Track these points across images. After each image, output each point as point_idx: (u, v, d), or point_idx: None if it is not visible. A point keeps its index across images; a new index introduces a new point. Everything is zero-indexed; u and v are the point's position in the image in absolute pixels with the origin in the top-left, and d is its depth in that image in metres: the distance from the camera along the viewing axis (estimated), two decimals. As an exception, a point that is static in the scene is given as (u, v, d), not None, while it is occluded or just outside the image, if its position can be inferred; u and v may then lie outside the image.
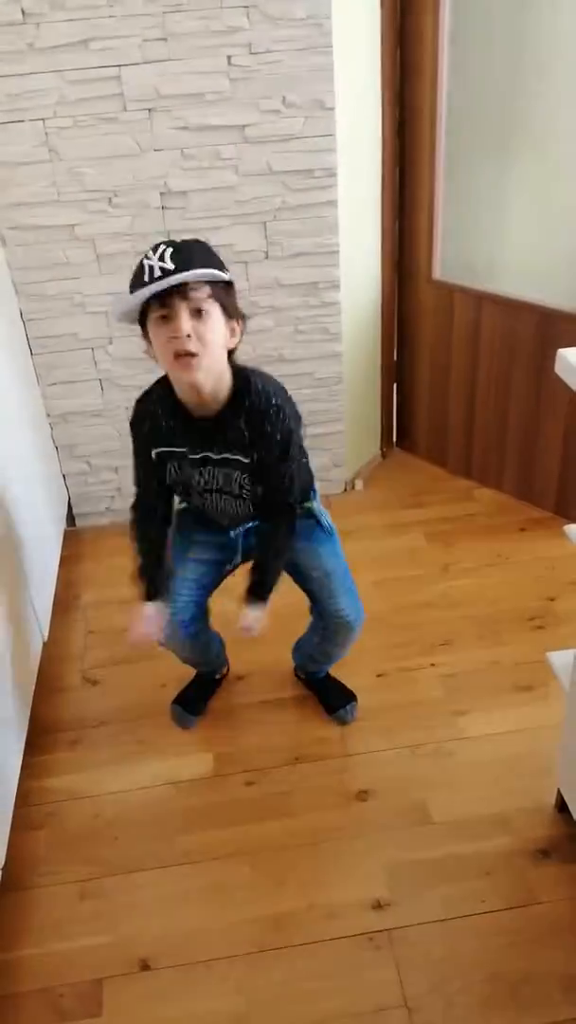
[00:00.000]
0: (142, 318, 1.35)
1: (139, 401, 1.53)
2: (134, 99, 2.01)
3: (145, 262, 1.30)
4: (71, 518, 2.63)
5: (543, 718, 1.86)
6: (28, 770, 1.78)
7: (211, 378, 1.38)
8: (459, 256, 2.46)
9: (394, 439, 2.92)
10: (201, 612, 1.76)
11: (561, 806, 1.64)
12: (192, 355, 1.31)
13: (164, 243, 1.31)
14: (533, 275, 2.34)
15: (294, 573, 1.71)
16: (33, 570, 1.99)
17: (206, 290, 1.30)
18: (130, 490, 2.56)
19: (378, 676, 2.03)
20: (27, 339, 2.30)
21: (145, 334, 1.38)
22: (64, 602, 2.32)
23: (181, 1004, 1.41)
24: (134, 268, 1.33)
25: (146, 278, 1.28)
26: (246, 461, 1.47)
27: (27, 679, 1.86)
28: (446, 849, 1.62)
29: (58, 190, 2.10)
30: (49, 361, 2.35)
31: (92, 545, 2.58)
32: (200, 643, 1.83)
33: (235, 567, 1.74)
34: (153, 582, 1.60)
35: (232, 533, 1.68)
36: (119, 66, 1.97)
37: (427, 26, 2.16)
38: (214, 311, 1.32)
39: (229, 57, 2.00)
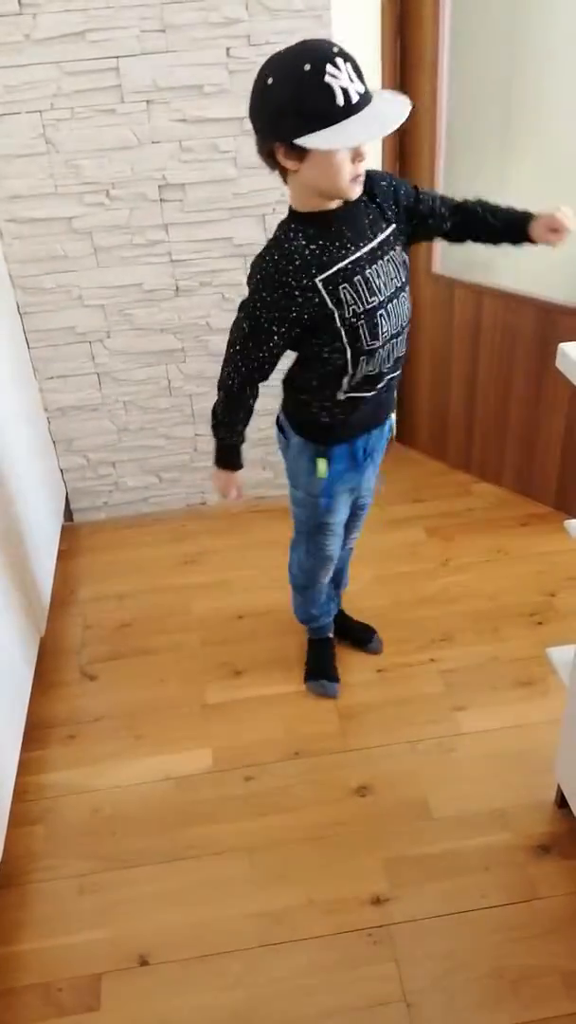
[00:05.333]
0: (292, 136, 1.21)
1: (270, 250, 1.34)
2: (132, 91, 2.00)
3: (333, 82, 1.15)
4: (68, 513, 2.62)
5: (543, 714, 1.86)
6: (25, 765, 1.78)
7: None
8: (459, 250, 2.44)
9: (394, 433, 2.90)
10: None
11: (561, 801, 1.64)
12: (364, 173, 1.29)
13: (334, 52, 1.17)
14: (533, 269, 2.34)
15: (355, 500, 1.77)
16: (30, 565, 1.98)
17: None
18: (127, 484, 2.59)
19: (378, 671, 2.02)
20: (24, 333, 2.29)
21: (287, 152, 1.23)
22: (61, 597, 2.31)
23: (179, 999, 1.41)
24: (295, 80, 1.17)
25: (340, 101, 1.16)
26: (391, 230, 1.41)
27: (24, 674, 1.86)
28: (446, 844, 1.61)
29: (55, 182, 2.09)
30: (46, 355, 2.34)
31: (89, 540, 2.57)
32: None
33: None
34: (239, 454, 1.63)
35: (361, 453, 1.62)
36: (117, 57, 1.96)
37: (427, 18, 2.14)
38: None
39: (228, 49, 1.99)
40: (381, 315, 1.39)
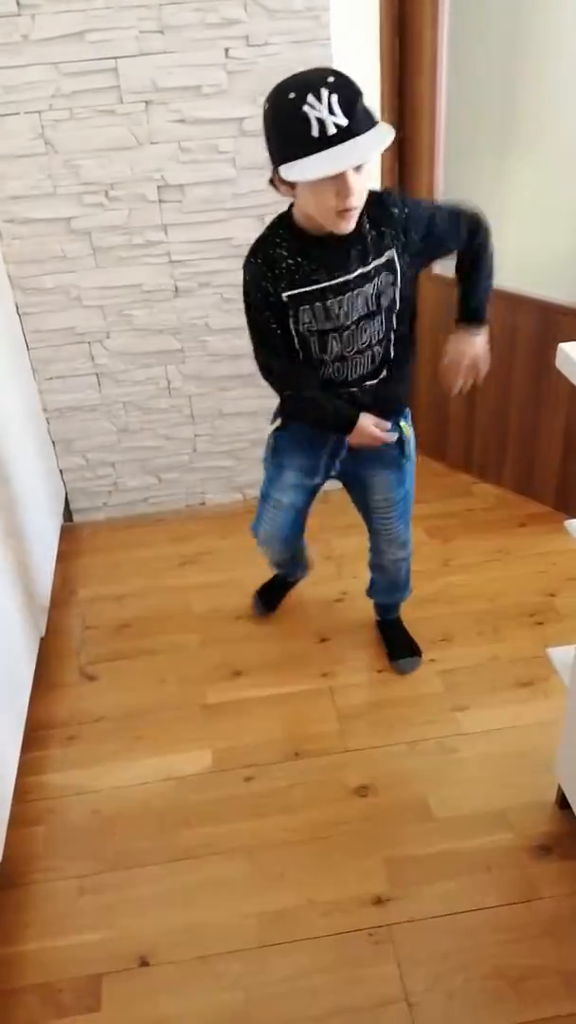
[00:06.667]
0: (277, 163, 1.27)
1: (255, 251, 1.44)
2: (131, 91, 2.00)
3: (310, 112, 1.17)
4: (68, 513, 2.62)
5: (543, 714, 1.85)
6: (26, 766, 1.78)
7: None
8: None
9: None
10: (297, 529, 1.89)
11: (561, 802, 1.63)
12: (355, 209, 1.30)
13: (324, 82, 1.18)
14: (533, 269, 2.33)
15: (358, 493, 1.79)
16: (30, 565, 1.98)
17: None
18: (127, 485, 2.59)
19: (377, 672, 2.02)
20: (23, 333, 2.29)
21: (279, 178, 1.29)
22: (61, 597, 2.31)
23: (180, 1000, 1.41)
24: (280, 107, 1.21)
25: (315, 132, 1.17)
26: (384, 259, 1.41)
27: (24, 674, 1.86)
28: (446, 845, 1.61)
29: (54, 183, 2.09)
30: (46, 355, 2.34)
31: (89, 541, 2.57)
32: (291, 553, 1.99)
33: (323, 482, 1.79)
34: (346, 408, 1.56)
35: (323, 453, 1.70)
36: (115, 58, 1.96)
37: (426, 18, 2.14)
38: (371, 159, 1.27)
39: (226, 50, 1.99)
40: (333, 337, 1.48)
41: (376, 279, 1.43)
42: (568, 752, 1.53)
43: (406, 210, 1.42)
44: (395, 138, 2.28)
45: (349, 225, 1.33)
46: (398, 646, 2.04)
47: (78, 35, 1.92)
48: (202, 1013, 1.39)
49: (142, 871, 1.61)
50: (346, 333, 1.48)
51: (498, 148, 2.27)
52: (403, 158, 2.38)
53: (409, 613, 2.17)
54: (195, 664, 2.08)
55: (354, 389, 1.57)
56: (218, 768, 1.81)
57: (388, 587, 2.00)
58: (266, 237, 1.43)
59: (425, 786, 1.73)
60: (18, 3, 1.88)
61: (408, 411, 1.70)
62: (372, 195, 1.38)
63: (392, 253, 1.42)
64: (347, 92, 1.19)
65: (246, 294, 1.48)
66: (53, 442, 2.48)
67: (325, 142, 1.18)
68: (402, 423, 1.67)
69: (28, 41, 1.92)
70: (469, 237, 1.53)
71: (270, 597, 2.20)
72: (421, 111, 2.27)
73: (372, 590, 2.05)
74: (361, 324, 1.47)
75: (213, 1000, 1.40)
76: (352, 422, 1.54)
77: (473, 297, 1.63)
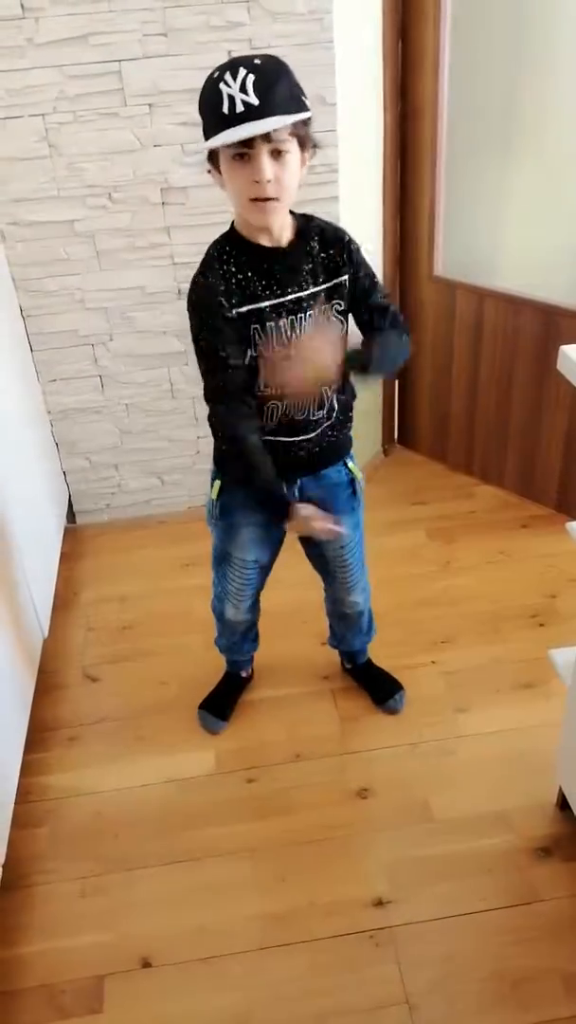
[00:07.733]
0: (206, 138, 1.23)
1: (203, 271, 1.37)
2: (134, 94, 2.01)
3: (223, 89, 1.17)
4: (71, 515, 2.63)
5: (544, 715, 1.86)
6: (28, 767, 1.78)
7: (283, 216, 1.32)
8: (461, 252, 2.45)
9: (396, 436, 2.91)
10: (263, 581, 1.76)
11: (562, 804, 1.64)
12: (272, 200, 1.25)
13: (242, 62, 1.18)
14: (535, 271, 2.34)
15: (313, 542, 1.67)
16: (33, 567, 1.99)
17: (288, 127, 1.20)
18: (130, 487, 2.59)
19: (379, 673, 2.02)
20: (27, 335, 2.29)
21: (214, 163, 1.27)
22: (64, 599, 2.32)
23: (182, 1002, 1.41)
24: (205, 85, 1.21)
25: (225, 109, 1.17)
26: (336, 281, 1.37)
27: (27, 676, 1.86)
28: (447, 847, 1.62)
29: (58, 186, 2.10)
30: (49, 357, 2.34)
31: (92, 542, 2.57)
32: (254, 615, 1.84)
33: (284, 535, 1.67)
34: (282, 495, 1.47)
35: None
36: (119, 61, 1.96)
37: (429, 21, 2.15)
38: (293, 149, 1.23)
39: (230, 52, 1.99)
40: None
41: (328, 302, 1.38)
42: (569, 754, 1.53)
43: (353, 245, 1.39)
44: (396, 138, 2.32)
45: (267, 218, 1.28)
46: (380, 688, 1.94)
47: (82, 38, 1.93)
48: (204, 1014, 1.39)
49: (144, 873, 1.62)
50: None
51: (499, 149, 2.27)
52: (404, 159, 2.38)
53: (410, 614, 2.18)
54: (197, 666, 2.08)
55: (301, 438, 1.48)
56: (220, 770, 1.81)
57: (351, 635, 1.90)
58: (212, 255, 1.37)
59: (426, 788, 1.73)
60: (22, 6, 1.88)
61: (352, 452, 1.63)
62: (322, 221, 1.38)
63: (344, 279, 1.38)
64: (266, 74, 1.17)
65: (197, 319, 1.38)
66: (56, 444, 2.49)
67: (234, 118, 1.17)
68: (349, 464, 1.61)
69: (32, 44, 1.92)
70: (385, 309, 1.44)
71: (222, 705, 1.94)
72: (423, 112, 2.27)
73: (334, 639, 1.96)
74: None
75: (215, 1001, 1.41)
76: (284, 508, 1.45)
77: (381, 347, 1.40)
